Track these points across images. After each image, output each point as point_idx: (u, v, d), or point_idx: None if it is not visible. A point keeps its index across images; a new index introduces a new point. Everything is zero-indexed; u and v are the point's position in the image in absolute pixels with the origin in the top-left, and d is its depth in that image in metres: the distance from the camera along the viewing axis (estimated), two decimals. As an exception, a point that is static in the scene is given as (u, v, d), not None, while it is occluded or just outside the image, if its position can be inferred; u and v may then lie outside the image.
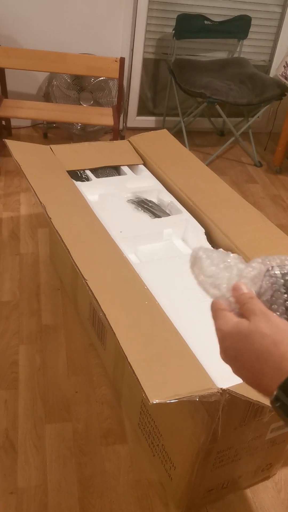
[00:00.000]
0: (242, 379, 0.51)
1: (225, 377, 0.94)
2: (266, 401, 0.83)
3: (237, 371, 0.52)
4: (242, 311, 0.52)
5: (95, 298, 1.05)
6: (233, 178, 2.76)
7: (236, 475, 1.17)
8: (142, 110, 3.13)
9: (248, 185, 2.71)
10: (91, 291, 1.07)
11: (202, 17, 2.70)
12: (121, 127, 3.06)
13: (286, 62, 2.54)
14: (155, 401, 0.83)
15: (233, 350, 0.50)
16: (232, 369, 0.52)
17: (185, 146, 2.81)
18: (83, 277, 1.10)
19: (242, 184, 2.72)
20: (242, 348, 0.49)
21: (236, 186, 2.68)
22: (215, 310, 0.55)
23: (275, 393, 0.46)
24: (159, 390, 0.86)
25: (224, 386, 0.90)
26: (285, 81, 2.57)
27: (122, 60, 2.47)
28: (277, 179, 2.79)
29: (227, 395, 0.89)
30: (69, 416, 1.38)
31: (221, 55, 2.98)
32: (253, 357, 0.48)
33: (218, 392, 0.89)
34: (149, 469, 1.26)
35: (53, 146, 1.66)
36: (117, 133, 2.45)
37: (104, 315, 1.01)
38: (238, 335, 0.50)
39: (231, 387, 0.89)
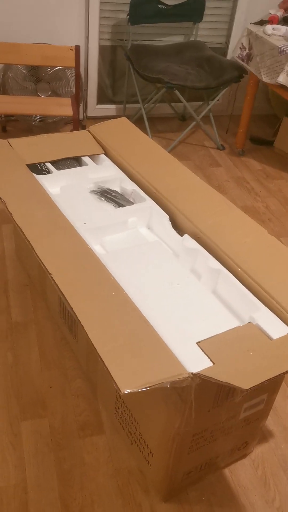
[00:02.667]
0: None
1: (195, 362, 0.95)
2: (235, 382, 0.85)
3: None
4: None
5: (61, 292, 1.04)
6: (197, 162, 2.77)
7: (213, 456, 1.19)
8: (102, 99, 3.09)
9: (212, 169, 2.73)
10: (56, 285, 1.05)
11: (156, 1, 2.67)
12: (81, 116, 3.01)
13: (242, 44, 2.55)
14: (127, 390, 0.84)
15: None
16: None
17: (147, 133, 2.80)
18: (48, 272, 1.09)
19: (206, 168, 2.73)
20: None
21: (200, 170, 2.69)
22: None
23: None
24: (131, 379, 0.86)
25: (195, 370, 0.91)
26: (242, 63, 2.58)
27: (77, 48, 2.43)
28: (240, 161, 2.81)
29: (198, 379, 0.90)
30: (44, 411, 1.37)
31: (177, 39, 2.96)
32: None
33: (188, 377, 0.89)
34: (128, 458, 1.27)
35: (11, 140, 1.63)
36: (77, 123, 2.42)
37: (71, 308, 1.00)
38: None
39: (201, 371, 0.90)
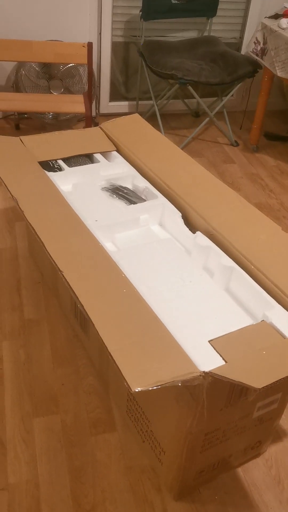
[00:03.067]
0: None
1: (207, 360, 0.94)
2: (248, 381, 0.83)
3: None
4: None
5: (72, 289, 1.03)
6: (210, 159, 2.74)
7: (226, 455, 1.18)
8: (115, 95, 3.08)
9: (226, 165, 2.70)
10: (67, 282, 1.05)
11: (170, -3, 2.65)
12: (94, 113, 3.01)
13: (256, 38, 2.52)
14: (138, 389, 0.83)
15: None
16: None
17: (160, 130, 2.78)
18: (59, 269, 1.08)
19: (220, 164, 2.71)
20: None
21: (214, 167, 2.66)
22: None
23: None
24: (141, 377, 0.86)
25: (207, 369, 0.90)
26: (256, 57, 2.55)
27: (90, 45, 2.42)
28: (254, 158, 2.78)
29: (210, 378, 0.89)
30: (56, 408, 1.37)
31: (191, 34, 2.94)
32: None
33: (200, 375, 0.88)
34: (140, 455, 1.27)
35: (23, 137, 1.63)
36: (89, 120, 2.41)
37: (82, 306, 1.00)
38: None
39: (214, 370, 0.89)
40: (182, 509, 1.16)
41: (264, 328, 1.01)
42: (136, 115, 1.86)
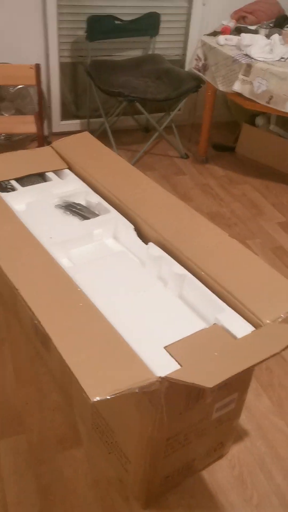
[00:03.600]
0: None
1: (163, 366, 0.97)
2: (200, 382, 0.87)
3: None
4: None
5: (28, 306, 1.05)
6: (162, 172, 2.81)
7: (190, 459, 1.21)
8: (66, 114, 3.12)
9: (178, 178, 2.78)
10: (23, 300, 1.06)
11: (112, 18, 2.73)
12: (46, 133, 3.03)
13: (197, 55, 2.62)
14: (96, 398, 0.85)
15: None
16: None
17: (112, 146, 2.84)
18: (14, 287, 1.10)
19: (172, 177, 2.78)
20: None
21: (166, 180, 2.73)
22: None
23: None
24: (99, 387, 0.88)
25: (163, 374, 0.93)
26: (199, 73, 2.65)
27: (37, 66, 2.45)
28: (204, 169, 2.87)
29: (166, 382, 0.92)
30: (21, 428, 1.37)
31: (136, 53, 3.02)
32: None
33: (157, 381, 0.91)
34: (107, 467, 1.28)
35: (-27, 160, 1.63)
36: (41, 139, 2.44)
37: (39, 322, 1.01)
38: None
39: (169, 374, 0.92)
40: (150, 516, 1.19)
41: (216, 331, 1.05)
42: (86, 133, 1.90)
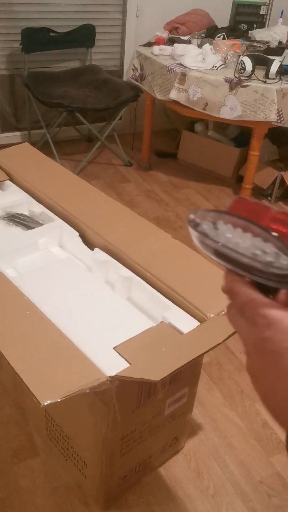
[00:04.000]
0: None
1: (113, 366, 0.99)
2: (148, 376, 0.90)
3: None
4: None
5: (-26, 317, 1.04)
6: (107, 180, 2.84)
7: (146, 456, 1.23)
8: (6, 127, 3.09)
9: (122, 185, 2.82)
10: None
11: (47, 30, 2.74)
12: (-14, 146, 2.99)
13: (133, 65, 2.68)
14: (47, 402, 0.86)
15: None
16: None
17: (54, 157, 2.84)
18: None
19: (116, 185, 2.81)
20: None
21: (111, 188, 2.76)
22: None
23: None
24: (50, 391, 0.89)
25: (113, 374, 0.95)
26: (136, 83, 2.71)
27: (-27, 79, 2.43)
28: (148, 175, 2.93)
29: (117, 381, 0.94)
30: (-25, 444, 1.34)
31: (73, 64, 3.05)
32: None
33: (107, 380, 0.93)
34: (64, 475, 1.28)
35: None
36: (-19, 152, 2.40)
37: (-14, 332, 1.01)
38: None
39: (119, 373, 0.94)
40: (111, 517, 1.19)
41: (163, 328, 1.09)
42: (26, 144, 1.90)
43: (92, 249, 1.39)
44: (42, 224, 1.52)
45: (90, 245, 1.43)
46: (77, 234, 1.44)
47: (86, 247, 1.40)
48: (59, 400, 0.87)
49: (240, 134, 2.94)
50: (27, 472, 1.28)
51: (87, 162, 2.95)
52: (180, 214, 2.56)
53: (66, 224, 1.48)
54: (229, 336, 0.99)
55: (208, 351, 0.94)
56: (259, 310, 0.40)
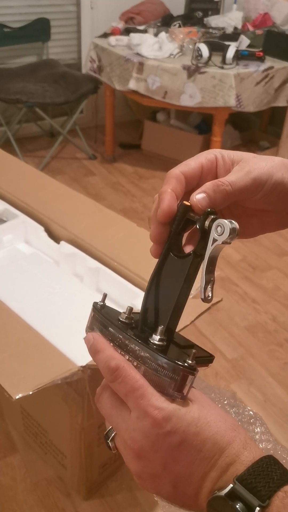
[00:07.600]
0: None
1: (84, 356, 0.99)
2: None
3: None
4: None
5: None
6: (72, 175, 2.83)
7: (125, 443, 1.24)
8: None
9: (88, 179, 2.80)
10: None
11: (1, 25, 2.70)
12: None
13: (91, 57, 2.66)
14: (18, 395, 0.86)
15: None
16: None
17: (17, 154, 2.80)
18: None
19: (82, 178, 2.80)
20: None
21: (76, 182, 2.75)
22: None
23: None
24: (21, 385, 0.89)
25: (84, 363, 0.96)
26: (95, 75, 2.69)
27: None
28: (113, 168, 2.93)
29: (89, 370, 0.95)
30: None
31: (30, 59, 3.01)
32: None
33: (79, 370, 0.94)
34: (44, 468, 1.28)
35: None
36: None
37: None
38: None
39: (90, 362, 0.95)
40: (93, 506, 1.20)
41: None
42: (-15, 142, 1.87)
43: (58, 243, 1.38)
44: (5, 221, 1.50)
45: (56, 238, 1.42)
46: (42, 228, 1.43)
47: (52, 241, 1.40)
48: (30, 393, 0.87)
49: (202, 121, 2.97)
50: (7, 469, 1.28)
51: (50, 157, 2.93)
52: (147, 204, 2.57)
53: (30, 219, 1.47)
54: (197, 317, 1.01)
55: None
56: (153, 402, 0.35)
